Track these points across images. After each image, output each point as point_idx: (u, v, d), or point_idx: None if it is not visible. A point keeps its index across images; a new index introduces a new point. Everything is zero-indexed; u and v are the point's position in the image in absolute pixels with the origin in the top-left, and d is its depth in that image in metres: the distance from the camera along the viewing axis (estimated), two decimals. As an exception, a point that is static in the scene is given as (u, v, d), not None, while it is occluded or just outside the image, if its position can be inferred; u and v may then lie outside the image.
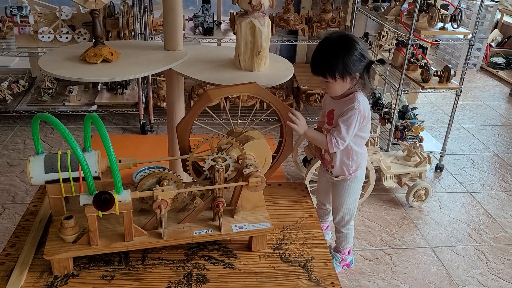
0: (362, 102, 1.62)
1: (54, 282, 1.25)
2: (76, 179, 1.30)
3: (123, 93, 3.17)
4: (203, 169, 1.40)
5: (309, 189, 2.29)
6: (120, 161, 1.38)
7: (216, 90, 1.53)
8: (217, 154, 1.37)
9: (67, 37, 2.77)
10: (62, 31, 2.75)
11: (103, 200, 1.22)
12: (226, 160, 1.39)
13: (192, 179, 1.47)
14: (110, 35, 2.77)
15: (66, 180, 1.32)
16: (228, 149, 1.41)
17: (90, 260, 1.33)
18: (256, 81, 1.49)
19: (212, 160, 1.37)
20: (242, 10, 1.71)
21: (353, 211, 1.89)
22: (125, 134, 3.10)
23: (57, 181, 1.31)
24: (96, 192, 1.23)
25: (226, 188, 1.39)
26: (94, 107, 3.05)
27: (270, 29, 1.76)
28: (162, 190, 1.29)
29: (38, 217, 1.51)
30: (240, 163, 1.42)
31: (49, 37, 2.75)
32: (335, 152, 1.74)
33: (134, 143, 2.98)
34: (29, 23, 2.70)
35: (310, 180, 2.23)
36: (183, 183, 1.38)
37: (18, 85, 3.08)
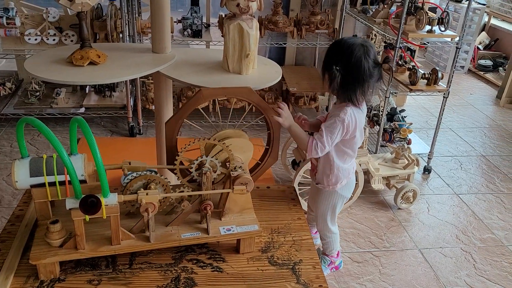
0: (351, 115, 1.59)
1: (40, 287, 1.23)
2: (62, 183, 1.29)
3: (111, 95, 3.15)
4: (191, 170, 1.39)
5: (297, 192, 2.30)
6: (130, 163, 1.37)
7: (210, 90, 1.51)
8: (205, 157, 1.37)
9: (54, 39, 2.74)
10: (49, 33, 2.73)
11: (90, 204, 1.21)
12: (213, 162, 1.38)
13: (180, 181, 1.46)
14: (98, 37, 2.75)
15: (52, 184, 1.31)
16: (216, 152, 1.41)
17: (77, 265, 1.32)
18: (246, 84, 1.49)
19: (199, 162, 1.36)
20: (230, 13, 1.71)
21: (328, 223, 1.87)
22: (113, 137, 3.08)
23: (42, 185, 1.30)
24: (83, 196, 1.22)
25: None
26: (82, 110, 3.03)
27: (259, 32, 1.76)
28: (147, 194, 1.28)
29: (24, 221, 1.49)
30: (228, 165, 1.42)
31: (36, 39, 2.72)
32: (319, 158, 1.73)
33: (123, 146, 2.96)
34: (15, 25, 2.67)
35: (299, 183, 2.24)
36: (170, 186, 1.37)
37: (4, 87, 3.05)
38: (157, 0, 1.79)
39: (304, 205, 2.38)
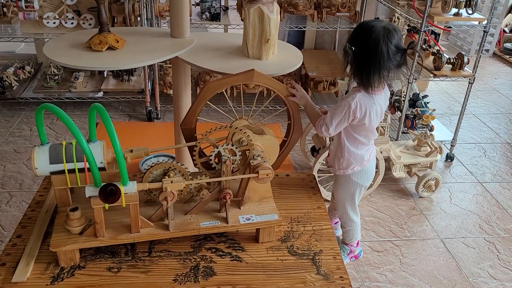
0: (359, 101, 1.55)
1: (60, 273, 1.24)
2: (81, 170, 1.28)
3: (129, 79, 3.14)
4: (210, 158, 1.37)
5: (317, 180, 2.26)
6: (132, 151, 1.36)
7: (216, 82, 1.48)
8: (226, 145, 1.35)
9: (72, 23, 2.73)
10: (67, 17, 2.71)
11: (109, 192, 1.20)
12: (234, 152, 1.36)
13: (198, 168, 1.45)
14: (115, 21, 2.72)
15: (72, 171, 1.30)
16: (236, 139, 1.38)
17: (97, 252, 1.32)
18: (257, 68, 1.45)
19: (222, 149, 1.34)
20: (251, -4, 1.66)
21: (348, 211, 1.84)
22: (131, 121, 3.08)
23: (62, 172, 1.30)
24: (102, 184, 1.21)
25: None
26: (100, 94, 3.03)
27: (279, 16, 1.71)
28: (172, 182, 1.26)
29: (44, 207, 1.50)
30: (247, 153, 1.39)
31: (54, 23, 2.72)
32: (333, 141, 1.71)
33: (140, 130, 2.96)
34: (34, 8, 2.66)
35: (319, 170, 2.20)
36: (189, 173, 1.36)
37: (24, 71, 3.06)
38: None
39: (324, 193, 2.35)
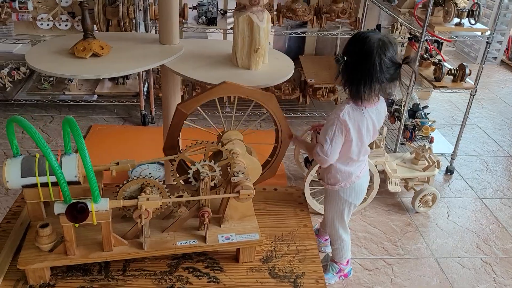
0: (348, 112, 1.48)
1: (27, 292, 1.19)
2: (55, 184, 1.23)
3: (124, 82, 3.09)
4: (188, 176, 1.32)
5: (308, 193, 2.20)
6: (118, 164, 1.31)
7: (187, 103, 1.42)
8: (204, 161, 1.29)
9: (66, 25, 2.69)
10: (61, 19, 2.67)
11: (79, 210, 1.15)
12: (214, 169, 1.30)
13: (174, 181, 1.39)
14: (110, 24, 2.68)
15: (45, 184, 1.25)
16: (219, 158, 1.32)
17: (69, 269, 1.27)
18: (245, 78, 1.40)
19: (199, 166, 1.28)
20: (240, 4, 1.60)
21: (337, 228, 1.76)
22: (125, 125, 3.03)
23: (35, 185, 1.25)
24: (71, 201, 1.16)
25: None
26: (95, 97, 2.99)
27: (270, 24, 1.65)
28: (147, 199, 1.21)
29: (19, 219, 1.45)
30: (228, 168, 1.33)
31: (48, 24, 2.67)
32: None
33: (134, 134, 2.91)
34: (28, 9, 2.62)
35: (312, 181, 2.13)
36: (166, 189, 1.30)
37: (19, 72, 3.02)
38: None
39: (316, 206, 2.28)
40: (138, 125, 3.02)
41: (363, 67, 1.44)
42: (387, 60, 1.43)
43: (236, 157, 1.31)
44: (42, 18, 2.65)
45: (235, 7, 1.70)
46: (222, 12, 2.98)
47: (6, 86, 2.92)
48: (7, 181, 1.22)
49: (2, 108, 3.04)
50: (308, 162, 2.20)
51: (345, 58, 1.47)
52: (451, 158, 2.83)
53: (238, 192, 1.26)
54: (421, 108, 2.80)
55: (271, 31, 1.90)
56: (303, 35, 3.09)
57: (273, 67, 1.73)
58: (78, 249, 1.23)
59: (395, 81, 1.48)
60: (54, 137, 2.83)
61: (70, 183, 1.21)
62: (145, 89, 2.98)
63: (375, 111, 1.53)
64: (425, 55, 2.83)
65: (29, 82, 3.03)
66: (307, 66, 3.21)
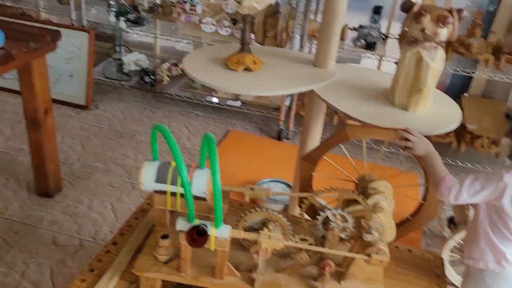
0: None
1: (136, 299, 1.19)
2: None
3: (269, 93, 3.09)
4: (317, 223, 1.19)
5: (447, 263, 1.88)
6: (252, 189, 1.26)
7: (356, 129, 1.33)
8: (335, 210, 1.15)
9: (227, 31, 2.78)
10: (223, 24, 2.77)
11: (199, 232, 1.11)
12: (347, 219, 1.15)
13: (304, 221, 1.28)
14: (267, 35, 2.69)
15: (175, 194, 1.25)
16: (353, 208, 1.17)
17: (179, 284, 1.24)
18: (410, 125, 1.22)
19: (331, 215, 1.15)
20: (412, 37, 1.41)
21: None
22: (261, 136, 3.03)
23: (165, 192, 1.25)
24: (194, 221, 1.12)
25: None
26: (238, 103, 3.04)
27: (443, 64, 1.43)
28: (269, 237, 1.12)
29: (146, 217, 1.49)
30: (363, 223, 1.17)
31: (211, 28, 2.79)
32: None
33: (267, 147, 2.89)
34: (196, 12, 2.77)
35: (454, 248, 1.81)
36: (290, 227, 1.19)
37: (177, 68, 3.23)
38: (331, 5, 1.58)
39: (455, 277, 1.93)
40: (273, 139, 2.99)
41: None
42: None
43: (381, 211, 1.14)
44: (207, 22, 2.78)
45: (402, 37, 1.52)
46: (383, 37, 2.78)
47: (164, 79, 3.13)
48: (141, 183, 1.24)
49: (157, 98, 3.28)
50: (453, 223, 1.90)
51: None
52: None
53: (369, 255, 1.09)
54: None
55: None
56: (473, 74, 2.73)
57: (435, 112, 1.51)
58: (191, 268, 1.19)
59: None
60: (195, 135, 2.95)
61: (197, 198, 1.18)
62: (287, 102, 2.94)
63: None
64: None
65: (183, 78, 3.22)
66: (469, 109, 2.82)
